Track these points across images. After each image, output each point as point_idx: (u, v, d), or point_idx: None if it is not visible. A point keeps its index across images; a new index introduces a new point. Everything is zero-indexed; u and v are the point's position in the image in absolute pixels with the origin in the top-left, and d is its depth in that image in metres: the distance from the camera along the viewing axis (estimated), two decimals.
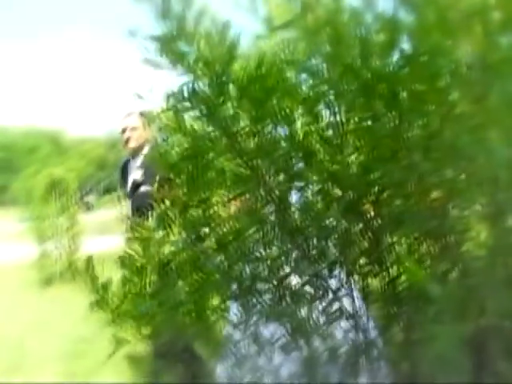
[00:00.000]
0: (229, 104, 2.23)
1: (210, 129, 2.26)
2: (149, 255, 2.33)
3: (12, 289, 12.93)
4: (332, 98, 2.27)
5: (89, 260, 2.39)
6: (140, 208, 5.63)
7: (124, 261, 2.33)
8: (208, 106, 2.19)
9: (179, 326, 2.36)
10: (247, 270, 2.45)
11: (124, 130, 5.76)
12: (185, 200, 2.30)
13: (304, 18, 2.16)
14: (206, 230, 2.35)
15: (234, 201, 2.43)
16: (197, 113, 2.27)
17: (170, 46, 2.18)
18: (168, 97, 2.40)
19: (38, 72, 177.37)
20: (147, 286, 2.32)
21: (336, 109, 2.30)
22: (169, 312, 2.32)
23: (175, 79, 2.38)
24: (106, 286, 2.33)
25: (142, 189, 5.61)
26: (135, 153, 5.80)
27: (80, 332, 8.02)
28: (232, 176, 2.33)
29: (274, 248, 2.46)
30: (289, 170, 2.31)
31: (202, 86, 2.21)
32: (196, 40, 2.15)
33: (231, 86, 2.18)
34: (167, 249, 2.40)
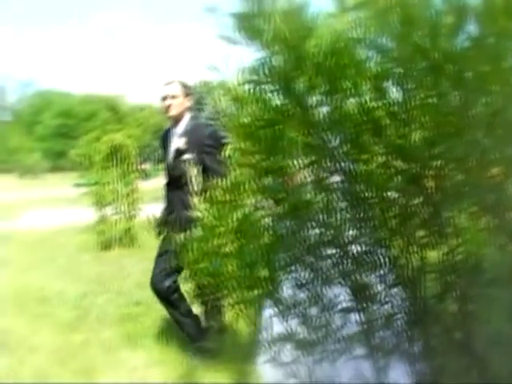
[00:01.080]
0: (302, 78, 2.35)
1: (285, 101, 2.39)
2: (224, 216, 2.47)
3: (71, 251, 13.27)
4: (400, 75, 2.37)
5: (163, 219, 2.54)
6: (183, 175, 5.79)
7: (201, 221, 2.48)
8: (284, 80, 2.31)
9: (252, 284, 2.52)
10: (313, 234, 2.60)
11: (164, 98, 5.91)
12: (261, 167, 2.43)
13: None
14: (280, 195, 2.49)
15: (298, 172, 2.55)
16: (271, 86, 2.40)
17: (249, 23, 2.30)
18: (242, 70, 2.54)
19: (98, 41, 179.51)
20: (222, 245, 2.47)
21: (403, 86, 2.40)
22: (243, 271, 2.47)
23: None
24: (183, 245, 2.49)
25: (185, 156, 5.75)
26: (176, 121, 5.94)
27: (136, 295, 8.28)
28: (303, 146, 2.46)
29: (339, 215, 2.60)
30: (356, 142, 2.42)
31: (277, 61, 2.34)
32: (273, 18, 2.27)
33: (306, 62, 2.29)
34: (241, 211, 2.54)
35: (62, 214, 19.67)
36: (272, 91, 2.42)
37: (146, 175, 16.31)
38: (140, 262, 10.08)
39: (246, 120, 2.41)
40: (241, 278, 2.54)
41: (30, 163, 72.14)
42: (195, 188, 2.69)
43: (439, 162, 2.51)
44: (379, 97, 2.41)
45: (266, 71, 2.36)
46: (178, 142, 5.84)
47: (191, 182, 2.82)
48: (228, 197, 2.48)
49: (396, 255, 2.66)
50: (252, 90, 2.44)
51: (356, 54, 2.36)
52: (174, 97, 5.87)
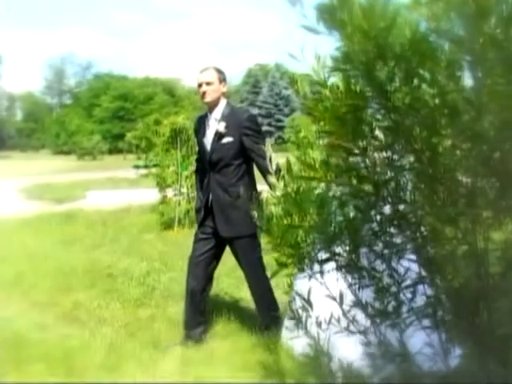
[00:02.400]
0: (382, 67, 2.53)
1: (366, 88, 2.58)
2: (307, 192, 2.68)
3: (134, 230, 13.62)
4: (471, 63, 2.53)
5: (256, 194, 2.76)
6: (223, 158, 6.04)
7: (286, 197, 2.69)
8: (365, 69, 2.50)
9: (330, 256, 2.73)
10: (388, 211, 2.79)
11: (200, 85, 6.14)
12: (347, 147, 2.63)
13: None
14: (362, 173, 2.68)
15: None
16: (352, 74, 2.59)
17: (331, 15, 2.48)
18: (319, 58, 2.73)
19: (156, 26, 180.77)
20: (305, 219, 2.68)
21: (474, 73, 2.56)
22: (326, 242, 2.68)
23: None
24: (270, 218, 2.70)
25: (225, 140, 5.99)
26: (211, 107, 6.17)
27: None
28: (382, 129, 2.65)
29: (412, 194, 2.77)
30: (429, 126, 2.59)
31: (359, 51, 2.52)
32: (354, 10, 2.44)
33: (386, 52, 2.47)
34: (323, 187, 2.75)
35: (122, 194, 20.04)
36: (353, 78, 2.60)
37: None
38: None
39: (328, 104, 2.60)
40: (320, 250, 2.76)
41: (89, 145, 73.38)
42: (272, 168, 2.88)
43: (506, 145, 2.65)
44: (452, 83, 2.57)
45: (348, 60, 2.55)
46: (217, 126, 6.08)
47: (270, 161, 3.00)
48: (311, 174, 2.67)
49: (463, 233, 2.82)
50: (335, 77, 2.63)
51: (432, 44, 2.51)
52: (209, 83, 6.13)
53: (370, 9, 2.41)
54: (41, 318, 7.09)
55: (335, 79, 2.73)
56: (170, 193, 14.07)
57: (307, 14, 2.61)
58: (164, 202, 13.91)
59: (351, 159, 2.67)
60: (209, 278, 6.29)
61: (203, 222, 6.25)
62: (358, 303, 2.87)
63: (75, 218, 15.78)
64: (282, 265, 2.77)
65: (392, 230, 2.80)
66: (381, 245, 2.81)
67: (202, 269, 6.21)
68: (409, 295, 2.85)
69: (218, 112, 6.12)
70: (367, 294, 2.89)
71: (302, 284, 3.03)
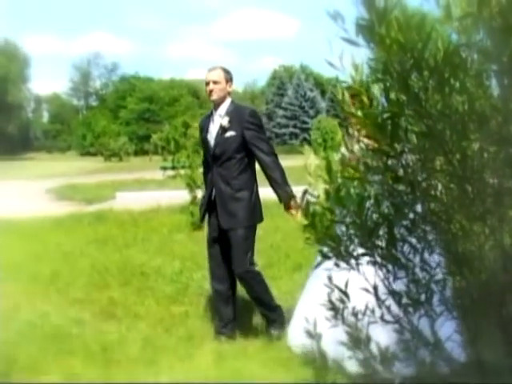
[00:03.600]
0: (417, 77, 2.74)
1: (401, 96, 2.79)
2: (347, 190, 2.90)
3: (164, 230, 13.83)
4: (498, 73, 2.73)
5: (304, 193, 2.97)
6: (225, 152, 6.27)
7: (328, 194, 2.90)
8: (401, 79, 2.71)
9: (371, 246, 2.93)
10: (422, 208, 3.00)
11: (208, 83, 6.38)
12: (385, 150, 2.84)
13: (480, 10, 2.62)
14: (400, 174, 2.90)
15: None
16: (388, 83, 2.80)
17: (370, 29, 2.70)
18: (357, 67, 2.94)
19: (180, 28, 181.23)
20: (346, 215, 2.89)
21: (501, 82, 2.76)
22: (363, 237, 2.89)
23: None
24: (314, 214, 2.91)
25: (228, 134, 6.22)
26: (217, 105, 6.41)
27: None
28: (416, 134, 2.86)
29: (443, 193, 2.98)
30: (459, 130, 2.79)
31: (395, 62, 2.73)
32: (392, 25, 2.65)
33: (421, 63, 2.68)
34: (363, 186, 2.97)
35: (150, 195, 20.23)
36: (390, 87, 2.81)
37: None
38: None
39: (366, 111, 2.81)
40: (362, 243, 2.97)
41: (116, 147, 73.83)
42: (312, 168, 3.07)
43: None
44: (480, 91, 2.77)
45: (386, 70, 2.77)
46: (221, 120, 6.32)
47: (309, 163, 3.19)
48: (352, 174, 2.89)
49: (490, 230, 3.01)
50: (373, 86, 2.85)
51: (463, 56, 2.72)
52: (215, 82, 6.39)
53: (407, 24, 2.62)
54: (78, 314, 7.32)
55: (372, 87, 2.93)
56: (199, 194, 14.26)
57: (339, 24, 2.82)
58: (194, 203, 14.10)
59: (388, 161, 2.89)
60: (232, 277, 6.47)
61: (209, 221, 6.48)
62: (393, 294, 3.07)
63: (106, 219, 16.06)
64: (325, 256, 2.98)
65: (424, 226, 3.01)
66: (414, 240, 3.02)
67: (224, 270, 6.41)
68: (439, 287, 3.04)
69: (222, 109, 6.39)
70: (400, 287, 3.09)
71: (337, 276, 3.21)
